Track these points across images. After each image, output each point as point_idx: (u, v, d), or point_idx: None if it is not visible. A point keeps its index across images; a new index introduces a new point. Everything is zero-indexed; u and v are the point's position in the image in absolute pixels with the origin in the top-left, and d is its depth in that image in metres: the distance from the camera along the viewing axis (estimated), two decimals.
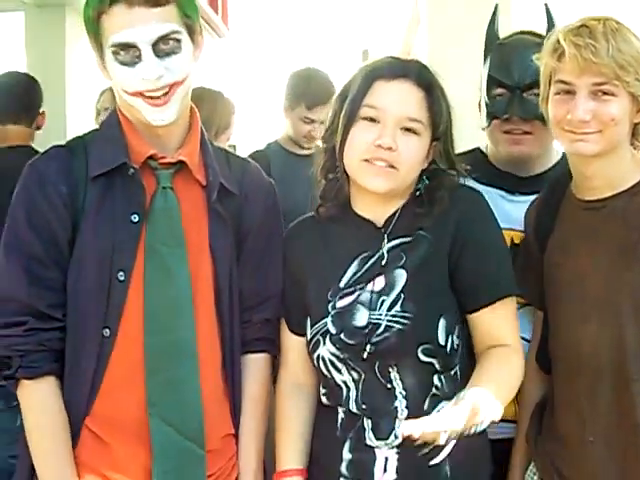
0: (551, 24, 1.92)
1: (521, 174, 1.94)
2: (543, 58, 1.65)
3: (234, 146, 5.44)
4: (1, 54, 6.04)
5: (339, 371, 1.61)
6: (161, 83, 1.52)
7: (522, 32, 1.99)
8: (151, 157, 1.60)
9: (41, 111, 3.15)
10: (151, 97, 1.53)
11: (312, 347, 1.64)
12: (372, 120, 1.58)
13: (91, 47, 1.59)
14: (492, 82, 1.90)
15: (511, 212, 1.88)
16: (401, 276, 1.59)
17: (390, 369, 1.56)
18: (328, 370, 1.62)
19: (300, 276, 1.70)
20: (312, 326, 1.64)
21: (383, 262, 1.61)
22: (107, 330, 1.55)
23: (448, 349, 1.58)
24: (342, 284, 1.63)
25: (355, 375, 1.59)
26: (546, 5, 1.94)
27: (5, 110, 3.05)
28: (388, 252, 1.61)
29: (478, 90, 1.97)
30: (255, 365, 1.73)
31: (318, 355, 1.63)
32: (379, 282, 1.60)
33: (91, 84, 4.64)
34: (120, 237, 1.56)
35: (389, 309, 1.57)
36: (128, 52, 1.51)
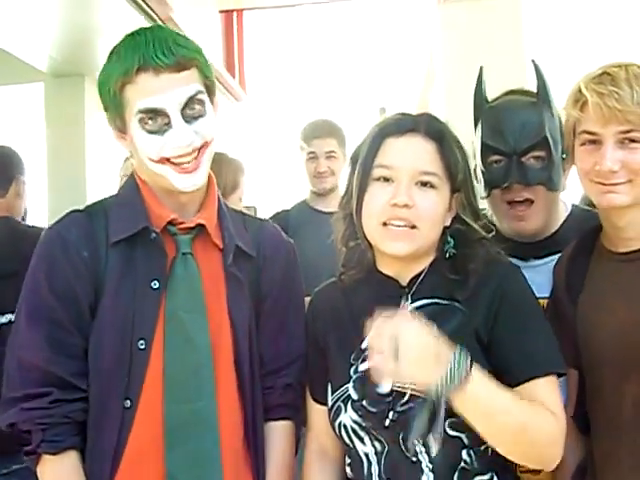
0: (541, 80, 1.84)
1: (531, 241, 1.86)
2: (565, 109, 1.61)
3: (254, 208, 5.43)
4: (22, 125, 6.10)
5: (362, 440, 1.53)
6: (192, 148, 1.50)
7: (511, 92, 1.92)
8: (170, 222, 1.57)
9: (22, 179, 3.00)
10: (180, 163, 1.51)
11: (334, 414, 1.57)
12: (386, 180, 1.53)
13: (109, 121, 1.57)
14: (487, 149, 1.81)
15: (529, 279, 1.76)
16: None
17: (415, 442, 1.47)
18: (350, 439, 1.55)
19: (323, 343, 1.64)
20: (333, 392, 1.58)
21: None
22: (128, 401, 1.50)
23: None
24: (364, 345, 1.52)
25: (378, 446, 1.51)
26: (533, 61, 1.87)
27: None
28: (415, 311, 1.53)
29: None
30: (278, 433, 1.68)
31: (340, 423, 1.55)
32: None
33: (111, 153, 4.71)
34: (141, 304, 1.52)
35: None
36: (156, 120, 1.50)
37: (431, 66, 4.89)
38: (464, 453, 1.47)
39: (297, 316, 1.70)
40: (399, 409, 1.47)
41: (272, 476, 1.64)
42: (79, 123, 5.32)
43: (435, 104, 4.60)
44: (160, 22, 5.05)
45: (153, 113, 1.49)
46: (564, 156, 1.77)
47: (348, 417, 1.53)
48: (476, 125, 1.87)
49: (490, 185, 1.81)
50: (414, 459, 1.47)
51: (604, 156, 1.52)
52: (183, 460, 1.51)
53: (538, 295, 1.64)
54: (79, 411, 1.50)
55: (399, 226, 1.50)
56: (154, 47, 1.48)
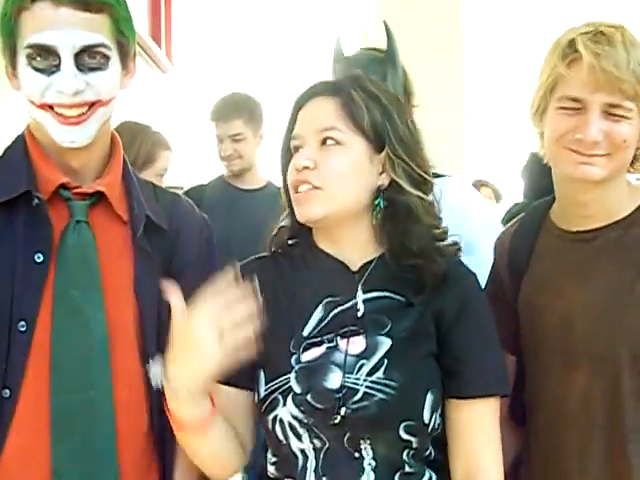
0: (390, 39, 2.02)
1: None
2: (547, 62, 1.49)
3: (181, 187, 5.28)
4: None
5: (299, 437, 1.38)
6: (78, 99, 1.34)
7: (367, 48, 2.12)
8: (63, 186, 1.40)
9: None
10: (62, 114, 1.34)
11: (267, 407, 1.40)
12: (297, 150, 1.45)
13: (1, 51, 1.40)
14: None
15: None
16: (385, 342, 1.39)
17: (362, 441, 1.37)
18: (285, 435, 1.39)
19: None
20: (268, 382, 1.42)
21: (359, 313, 1.42)
22: (7, 390, 1.34)
23: (430, 428, 1.39)
24: (306, 332, 1.42)
25: (318, 443, 1.38)
26: (385, 22, 2.04)
27: None
28: (364, 303, 1.43)
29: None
30: None
31: (275, 416, 1.40)
32: (357, 344, 1.40)
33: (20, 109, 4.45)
34: (21, 280, 1.35)
35: (369, 374, 1.36)
36: (46, 58, 1.33)
37: (365, 34, 4.83)
38: (404, 454, 1.38)
39: None
40: (351, 407, 1.36)
41: (181, 470, 1.49)
42: None
43: None
44: None
45: (42, 50, 1.33)
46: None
47: (287, 411, 1.38)
48: (332, 76, 2.03)
49: None
50: (356, 455, 1.36)
51: (589, 125, 1.41)
52: (71, 455, 1.37)
53: None
54: None
55: (302, 191, 1.41)
56: None
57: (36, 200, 1.36)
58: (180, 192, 3.73)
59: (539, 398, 1.55)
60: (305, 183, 1.40)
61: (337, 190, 1.40)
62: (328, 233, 1.46)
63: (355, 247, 1.46)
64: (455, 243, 1.48)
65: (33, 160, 1.41)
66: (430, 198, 1.47)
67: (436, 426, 1.40)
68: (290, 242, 1.52)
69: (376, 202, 1.44)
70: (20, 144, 1.44)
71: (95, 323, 1.39)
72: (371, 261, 1.46)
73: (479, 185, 5.15)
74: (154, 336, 1.45)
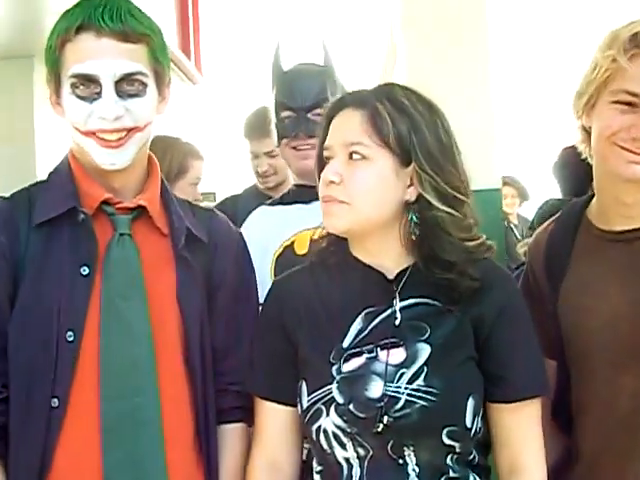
0: (326, 54, 2.13)
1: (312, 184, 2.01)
2: (602, 55, 1.45)
3: (213, 194, 5.31)
4: None
5: (343, 446, 1.40)
6: (119, 125, 1.40)
7: (302, 64, 2.18)
8: (106, 202, 1.45)
9: None
10: (103, 138, 1.40)
11: (311, 417, 1.42)
12: (328, 160, 1.45)
13: (47, 81, 1.47)
14: (279, 106, 2.10)
15: (312, 215, 1.85)
16: (424, 350, 1.40)
17: (405, 448, 1.38)
18: (330, 445, 1.41)
19: (290, 335, 1.49)
20: (311, 393, 1.42)
21: (397, 322, 1.42)
22: (56, 400, 1.38)
23: (473, 432, 1.40)
24: (345, 343, 1.42)
25: (362, 452, 1.39)
26: (322, 42, 2.15)
27: None
28: (401, 311, 1.43)
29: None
30: (232, 436, 1.56)
31: (319, 427, 1.41)
32: (397, 355, 1.40)
33: (61, 135, 4.56)
34: (68, 292, 1.40)
35: (410, 382, 1.37)
36: (88, 87, 1.40)
37: (392, 42, 4.82)
38: (448, 458, 1.39)
39: (251, 313, 1.59)
40: (393, 415, 1.36)
41: (226, 474, 1.53)
42: (28, 105, 5.21)
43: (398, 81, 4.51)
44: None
45: (85, 79, 1.40)
46: None
47: (330, 421, 1.40)
48: (273, 87, 2.14)
49: (282, 136, 2.10)
50: (400, 461, 1.37)
51: None
52: (122, 462, 1.40)
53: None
54: None
55: (329, 203, 1.42)
56: (103, 10, 1.39)
57: (82, 215, 1.42)
58: (213, 202, 3.79)
59: (586, 400, 1.54)
60: (329, 198, 1.41)
61: (362, 204, 1.40)
62: (362, 242, 1.47)
63: (389, 256, 1.46)
64: (489, 246, 1.47)
65: (77, 179, 1.47)
66: (464, 211, 1.43)
67: (478, 430, 1.41)
68: (327, 250, 1.52)
69: (409, 217, 1.43)
70: (64, 166, 1.51)
71: (141, 332, 1.43)
72: (407, 268, 1.45)
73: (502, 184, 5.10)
74: (197, 343, 1.49)
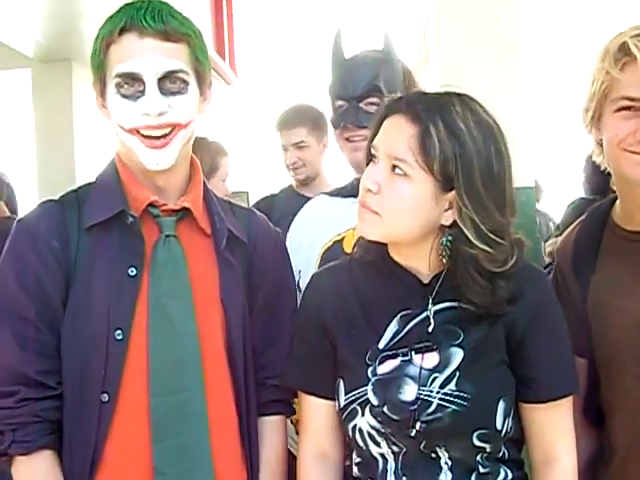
0: (387, 41, 2.05)
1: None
2: (598, 70, 1.49)
3: (246, 193, 5.34)
4: (9, 112, 6.03)
5: (377, 444, 1.44)
6: (162, 120, 1.43)
7: (362, 51, 2.09)
8: (152, 205, 1.50)
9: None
10: (149, 137, 1.44)
11: (347, 416, 1.46)
12: (373, 162, 1.44)
13: (93, 85, 1.51)
14: (333, 96, 2.03)
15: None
16: (457, 354, 1.41)
17: (437, 447, 1.41)
18: (365, 443, 1.45)
19: (329, 332, 1.51)
20: (347, 392, 1.46)
21: (430, 328, 1.43)
22: (105, 395, 1.43)
23: (503, 433, 1.42)
24: (381, 345, 1.44)
25: (396, 449, 1.43)
26: (384, 27, 2.10)
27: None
28: (435, 316, 1.44)
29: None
30: (272, 428, 1.62)
31: (354, 425, 1.45)
32: (431, 359, 1.42)
33: (100, 138, 4.66)
34: (116, 293, 1.45)
35: (442, 386, 1.39)
36: (132, 85, 1.44)
37: (424, 48, 4.82)
38: (478, 457, 1.42)
39: (289, 310, 1.64)
40: (425, 418, 1.38)
41: (266, 472, 1.59)
42: (67, 108, 5.27)
43: (429, 87, 4.52)
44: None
45: (129, 78, 1.43)
46: None
47: (365, 422, 1.43)
48: (331, 77, 2.06)
49: (334, 126, 2.04)
50: (433, 456, 1.40)
51: None
52: (171, 454, 1.45)
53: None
54: (51, 409, 1.44)
55: (364, 210, 1.42)
56: (145, 11, 1.44)
57: (130, 218, 1.46)
58: (246, 201, 3.83)
59: (617, 398, 1.56)
60: (365, 205, 1.41)
61: (393, 221, 1.39)
62: (398, 246, 1.47)
63: (424, 260, 1.45)
64: (522, 244, 1.44)
65: (124, 182, 1.51)
66: (502, 248, 1.38)
67: (509, 430, 1.43)
68: (365, 249, 1.52)
69: (442, 241, 1.41)
70: (111, 169, 1.55)
71: (187, 330, 1.48)
72: (441, 272, 1.45)
73: None
74: (240, 341, 1.54)
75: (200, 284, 1.51)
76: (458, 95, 1.42)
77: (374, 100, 1.93)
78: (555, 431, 1.47)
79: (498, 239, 1.38)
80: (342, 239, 1.94)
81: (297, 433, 1.81)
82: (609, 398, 1.58)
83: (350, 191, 1.99)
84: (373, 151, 1.43)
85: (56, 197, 1.55)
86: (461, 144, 1.35)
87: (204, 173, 1.64)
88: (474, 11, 3.55)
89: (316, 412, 1.54)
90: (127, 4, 1.48)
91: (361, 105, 1.95)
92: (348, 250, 1.90)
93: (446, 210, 1.39)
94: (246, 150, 8.14)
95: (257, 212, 1.73)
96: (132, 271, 1.46)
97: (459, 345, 1.42)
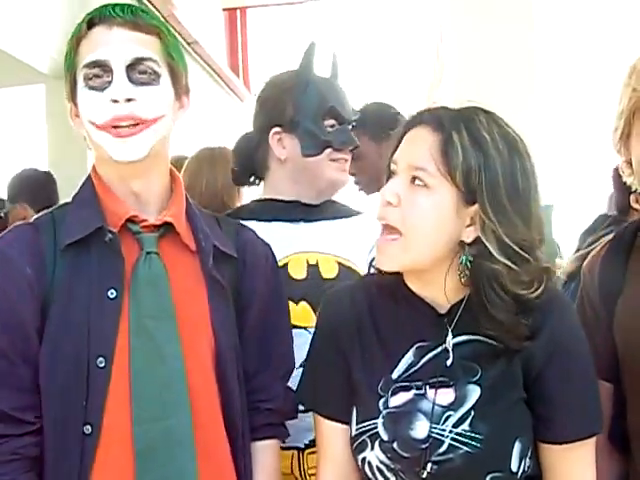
0: (335, 70, 2.01)
1: (306, 202, 1.96)
2: (626, 88, 1.46)
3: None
4: (23, 128, 6.05)
5: (387, 479, 1.38)
6: (129, 110, 1.36)
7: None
8: (131, 221, 1.43)
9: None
10: (117, 126, 1.37)
11: (357, 447, 1.39)
12: (393, 174, 1.38)
13: (66, 94, 1.45)
14: (327, 114, 1.93)
15: (304, 237, 1.90)
16: (473, 392, 1.34)
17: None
18: (374, 476, 1.38)
19: (344, 353, 1.44)
20: (359, 423, 1.39)
21: (448, 362, 1.36)
22: (89, 427, 1.35)
23: (519, 475, 1.33)
24: (395, 375, 1.37)
25: None
26: (333, 54, 2.02)
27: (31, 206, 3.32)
28: (453, 349, 1.37)
29: None
30: (264, 454, 1.55)
31: (364, 458, 1.38)
32: (446, 395, 1.35)
33: None
34: (96, 317, 1.37)
35: (455, 425, 1.32)
36: (101, 76, 1.38)
37: (439, 62, 4.82)
38: None
39: (283, 329, 1.59)
40: (436, 459, 1.31)
41: None
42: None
43: (443, 101, 4.52)
44: (163, 20, 4.99)
45: (97, 67, 1.38)
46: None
47: (374, 456, 1.36)
48: (305, 88, 1.95)
49: (326, 145, 1.92)
50: None
51: None
52: None
53: (324, 251, 1.87)
54: (29, 446, 1.35)
55: (385, 229, 1.34)
56: (115, 5, 1.41)
57: (109, 235, 1.39)
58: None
59: None
60: (385, 220, 1.34)
61: (414, 237, 1.31)
62: (415, 274, 1.40)
63: (440, 287, 1.37)
64: (549, 270, 1.37)
65: (100, 197, 1.44)
66: (527, 267, 1.31)
67: (526, 469, 1.35)
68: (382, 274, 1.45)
69: (460, 259, 1.34)
70: (88, 184, 1.48)
71: (171, 352, 1.40)
72: (460, 301, 1.38)
73: None
74: (234, 364, 1.47)
75: (185, 304, 1.44)
76: (483, 109, 1.37)
77: (349, 126, 1.97)
78: (573, 475, 1.38)
79: (524, 254, 1.30)
80: (284, 265, 1.84)
81: None
82: (635, 422, 1.52)
83: (270, 213, 1.92)
84: (393, 166, 1.37)
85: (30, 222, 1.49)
86: (485, 154, 1.29)
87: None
88: (490, 28, 3.54)
89: (334, 436, 1.46)
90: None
91: (348, 127, 1.97)
92: (297, 276, 1.85)
93: (467, 226, 1.33)
94: None
95: (245, 225, 1.66)
96: (112, 293, 1.38)
97: (476, 382, 1.34)
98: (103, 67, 1.37)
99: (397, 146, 1.39)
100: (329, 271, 1.86)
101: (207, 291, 1.46)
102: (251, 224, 1.84)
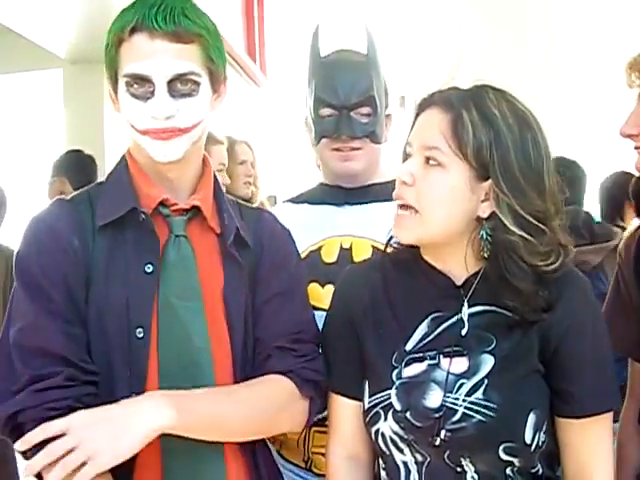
0: (370, 41, 1.93)
1: (349, 186, 1.95)
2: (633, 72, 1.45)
3: (274, 197, 5.33)
4: (41, 112, 6.08)
5: (401, 451, 1.38)
6: (169, 124, 1.41)
7: (342, 50, 1.97)
8: (162, 204, 1.48)
9: None
10: (156, 132, 1.42)
11: (370, 419, 1.40)
12: (408, 157, 1.39)
13: (107, 77, 1.49)
14: (319, 103, 1.90)
15: (342, 221, 1.91)
16: (487, 362, 1.34)
17: (462, 459, 1.34)
18: (388, 448, 1.39)
19: (357, 330, 1.46)
20: (371, 395, 1.40)
21: (463, 331, 1.36)
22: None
23: (533, 447, 1.32)
24: (409, 347, 1.38)
25: (419, 457, 1.37)
26: (366, 26, 1.94)
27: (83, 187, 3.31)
28: (469, 319, 1.37)
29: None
30: (271, 379, 1.48)
31: (377, 430, 1.39)
32: (460, 364, 1.35)
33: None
34: (135, 290, 1.42)
35: (468, 394, 1.32)
36: (142, 86, 1.41)
37: (456, 53, 4.80)
38: (508, 470, 1.35)
39: (300, 299, 1.57)
40: (450, 427, 1.31)
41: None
42: (98, 109, 5.29)
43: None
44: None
45: (139, 78, 1.41)
46: (387, 113, 1.95)
47: (388, 427, 1.37)
48: (310, 80, 1.94)
49: (321, 135, 1.90)
50: (458, 469, 1.34)
51: None
52: (183, 466, 1.40)
53: (360, 234, 1.86)
54: (92, 395, 1.37)
55: (401, 206, 1.37)
56: (157, 10, 1.41)
57: (142, 216, 1.43)
58: (274, 204, 3.81)
59: None
60: (400, 198, 1.37)
61: (430, 213, 1.34)
62: (432, 247, 1.42)
63: (459, 261, 1.39)
64: (567, 247, 1.37)
65: (134, 179, 1.49)
66: (544, 238, 1.32)
67: (540, 444, 1.34)
68: (398, 248, 1.48)
69: (480, 234, 1.35)
70: (122, 166, 1.52)
71: (197, 332, 1.44)
72: (476, 273, 1.39)
73: None
74: (240, 345, 1.48)
75: (209, 283, 1.48)
76: (492, 87, 1.38)
77: (367, 111, 1.87)
78: (591, 452, 1.38)
79: (539, 225, 1.32)
80: (319, 248, 1.88)
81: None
82: None
83: (320, 197, 1.97)
84: (408, 149, 1.39)
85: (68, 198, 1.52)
86: (496, 128, 1.31)
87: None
88: (508, 17, 3.52)
89: (345, 412, 1.49)
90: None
91: (352, 115, 1.86)
92: (328, 259, 1.86)
93: (482, 201, 1.34)
94: (275, 152, 8.15)
95: (265, 211, 1.70)
96: (149, 267, 1.43)
97: (490, 352, 1.35)
98: (145, 80, 1.41)
99: (411, 129, 1.41)
100: (361, 255, 1.84)
101: (223, 268, 1.50)
102: (302, 207, 1.98)
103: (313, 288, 1.80)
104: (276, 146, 8.35)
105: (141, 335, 1.40)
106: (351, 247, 1.86)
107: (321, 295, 1.80)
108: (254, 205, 2.34)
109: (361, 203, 1.93)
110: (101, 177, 1.60)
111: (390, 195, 1.49)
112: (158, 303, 1.42)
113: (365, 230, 1.87)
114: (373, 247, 1.84)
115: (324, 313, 1.59)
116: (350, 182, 1.94)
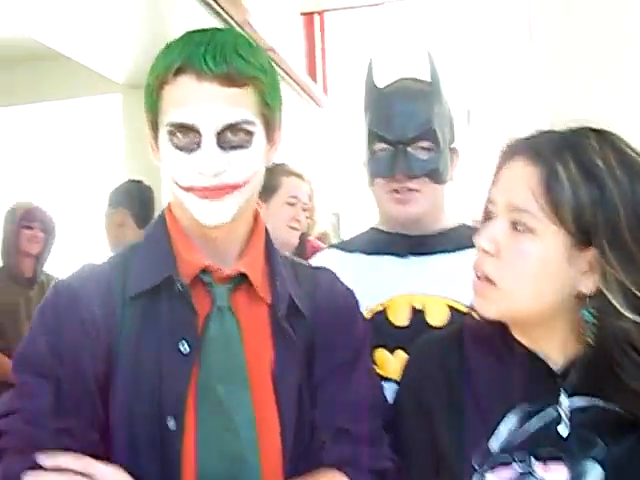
0: (433, 69, 1.70)
1: (412, 233, 1.70)
2: None
3: (337, 214, 5.20)
4: (100, 138, 6.09)
5: None
6: (217, 181, 1.21)
7: (403, 79, 1.74)
8: (204, 271, 1.28)
9: None
10: (203, 189, 1.22)
11: None
12: (489, 219, 1.17)
13: (147, 123, 1.30)
14: (373, 137, 1.67)
15: (406, 275, 1.65)
16: (593, 471, 1.08)
17: None
18: None
19: (428, 413, 1.23)
20: None
21: (562, 430, 1.12)
22: None
23: None
24: (493, 446, 1.14)
25: None
26: (428, 52, 1.71)
27: (144, 221, 3.36)
28: (570, 414, 1.13)
29: None
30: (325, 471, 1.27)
31: None
32: (558, 472, 1.10)
33: None
34: (168, 371, 1.22)
35: None
36: (187, 135, 1.20)
37: (529, 55, 4.59)
38: None
39: (365, 366, 1.36)
40: None
41: None
42: None
43: (533, 107, 4.30)
44: (237, 27, 4.91)
45: (183, 128, 1.21)
46: (452, 147, 1.72)
47: None
48: (366, 112, 1.73)
49: (375, 174, 1.68)
50: None
51: None
52: None
53: (423, 291, 1.61)
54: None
55: (476, 281, 1.16)
56: (206, 48, 1.20)
57: (179, 286, 1.25)
58: (337, 221, 3.65)
59: None
60: (478, 269, 1.15)
61: (515, 292, 1.12)
62: (522, 325, 1.19)
63: (555, 344, 1.17)
64: None
65: (174, 242, 1.30)
66: None
67: None
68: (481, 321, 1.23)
69: (582, 315, 1.12)
70: (161, 225, 1.34)
71: (242, 423, 1.24)
72: (576, 357, 1.16)
73: None
74: (291, 434, 1.27)
75: (257, 365, 1.27)
76: (594, 129, 1.14)
77: (426, 145, 1.63)
78: None
79: None
80: (384, 310, 1.62)
81: None
82: None
83: (378, 246, 1.71)
84: (490, 206, 1.17)
85: (104, 260, 1.35)
86: (600, 187, 1.07)
87: (261, 193, 1.39)
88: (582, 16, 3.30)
89: None
90: (188, 33, 1.26)
91: (410, 150, 1.62)
92: (398, 322, 1.61)
93: (584, 274, 1.11)
94: (338, 172, 8.04)
95: (324, 271, 1.45)
96: (184, 347, 1.23)
97: (597, 460, 1.09)
98: (190, 130, 1.21)
99: (494, 182, 1.18)
100: (437, 317, 1.60)
101: (274, 343, 1.29)
102: (355, 256, 1.72)
103: (379, 354, 1.58)
104: (338, 166, 8.24)
105: (173, 427, 1.20)
106: (424, 308, 1.61)
107: (389, 362, 1.57)
108: (311, 237, 2.15)
109: (427, 254, 1.67)
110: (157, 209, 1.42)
111: (459, 244, 1.28)
112: (197, 388, 1.22)
113: (436, 287, 1.62)
114: (450, 308, 1.60)
115: (392, 384, 1.37)
116: (411, 229, 1.69)
